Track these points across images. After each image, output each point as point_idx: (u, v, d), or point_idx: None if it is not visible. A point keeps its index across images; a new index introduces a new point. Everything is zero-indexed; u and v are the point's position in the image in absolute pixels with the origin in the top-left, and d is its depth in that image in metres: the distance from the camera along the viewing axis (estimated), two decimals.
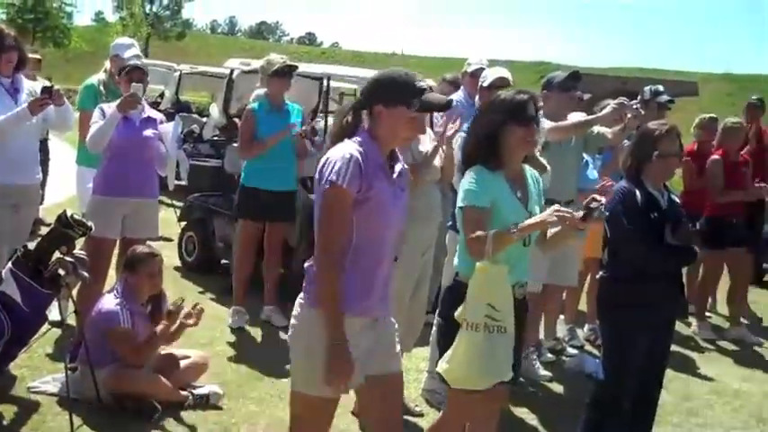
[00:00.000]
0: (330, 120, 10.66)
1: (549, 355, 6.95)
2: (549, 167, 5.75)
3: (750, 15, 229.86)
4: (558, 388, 6.40)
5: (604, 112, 6.13)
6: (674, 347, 6.38)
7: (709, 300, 9.10)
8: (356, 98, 3.45)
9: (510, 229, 3.74)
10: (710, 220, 8.20)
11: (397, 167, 3.43)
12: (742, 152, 8.64)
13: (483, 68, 6.93)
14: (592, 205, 3.80)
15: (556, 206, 3.82)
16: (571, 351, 7.21)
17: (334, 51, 66.06)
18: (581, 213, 3.82)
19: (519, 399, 5.88)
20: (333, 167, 3.18)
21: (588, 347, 7.38)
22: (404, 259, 4.88)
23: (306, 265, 3.40)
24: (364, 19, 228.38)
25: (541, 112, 6.23)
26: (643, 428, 4.91)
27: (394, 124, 3.32)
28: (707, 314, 8.84)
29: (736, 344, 8.25)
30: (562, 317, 7.52)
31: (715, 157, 8.35)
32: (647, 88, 7.46)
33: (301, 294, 3.41)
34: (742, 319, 8.76)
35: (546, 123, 6.05)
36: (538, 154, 5.66)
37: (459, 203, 3.84)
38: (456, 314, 3.69)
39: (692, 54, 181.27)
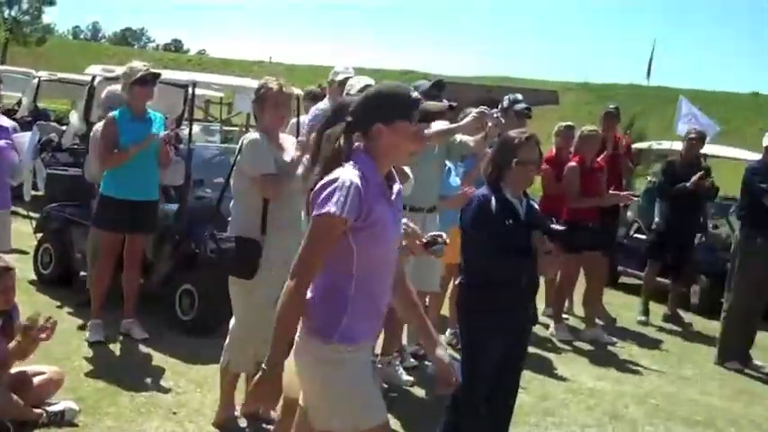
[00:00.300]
0: (195, 127, 10.54)
1: (412, 360, 7.04)
2: (411, 175, 5.87)
3: (607, 28, 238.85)
4: (420, 392, 6.49)
5: (465, 120, 6.25)
6: (531, 349, 6.60)
7: (566, 302, 9.41)
8: (346, 121, 3.25)
9: None
10: (568, 225, 8.45)
11: (395, 188, 3.31)
12: (598, 159, 8.96)
13: (350, 77, 7.00)
14: (438, 239, 3.91)
15: (405, 219, 3.90)
16: None
17: (201, 59, 65.19)
18: (426, 239, 3.93)
19: None
20: (332, 196, 3.02)
21: (450, 351, 7.49)
22: (275, 267, 4.87)
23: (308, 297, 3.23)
24: (232, 26, 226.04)
25: None
26: (500, 429, 5.03)
27: (397, 141, 3.18)
28: (564, 316, 9.15)
29: (592, 344, 8.57)
30: None
31: (572, 163, 8.64)
32: (506, 97, 7.67)
33: (300, 333, 3.23)
34: (597, 320, 9.08)
35: None
36: None
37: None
38: None
39: (553, 64, 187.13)
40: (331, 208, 3.01)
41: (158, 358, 6.61)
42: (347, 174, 3.08)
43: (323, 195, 3.05)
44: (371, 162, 3.17)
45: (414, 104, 3.22)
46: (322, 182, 3.09)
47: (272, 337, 3.11)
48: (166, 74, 7.97)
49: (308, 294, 3.17)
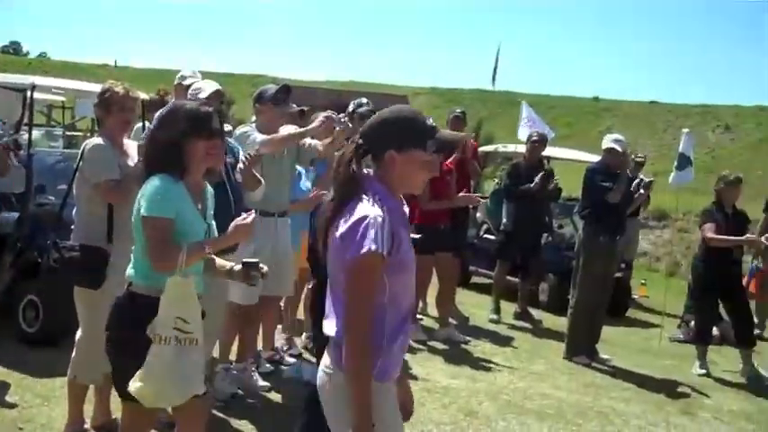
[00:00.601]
0: (37, 133, 10.15)
1: (268, 366, 6.98)
2: (262, 180, 5.83)
3: (455, 34, 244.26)
4: (276, 397, 6.43)
5: (313, 125, 6.29)
6: None
7: (420, 303, 9.53)
8: (357, 143, 3.09)
9: (203, 244, 3.77)
10: (420, 228, 8.54)
11: (406, 209, 3.19)
12: (446, 162, 9.11)
13: (197, 81, 6.88)
14: (253, 272, 3.91)
15: (238, 219, 3.89)
16: (289, 360, 7.29)
17: (42, 62, 62.69)
18: (246, 261, 3.95)
19: (238, 411, 5.89)
20: (366, 234, 2.87)
21: (306, 355, 7.49)
22: (121, 275, 4.74)
23: (327, 332, 3.10)
24: (76, 29, 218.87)
25: (253, 125, 6.36)
26: None
27: (409, 170, 3.05)
28: (418, 316, 9.26)
29: (446, 343, 8.72)
30: (280, 326, 7.59)
31: None
32: (352, 102, 7.71)
33: (332, 368, 3.06)
34: (450, 320, 9.24)
35: (258, 136, 6.10)
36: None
37: (143, 212, 3.71)
38: (147, 330, 3.63)
39: (403, 69, 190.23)
40: (371, 246, 2.87)
41: (2, 372, 6.31)
42: (372, 209, 2.94)
43: (358, 235, 2.90)
44: (386, 190, 3.04)
45: (429, 133, 3.08)
46: (350, 222, 2.94)
47: (353, 401, 2.93)
48: (3, 77, 7.64)
49: (338, 329, 3.04)
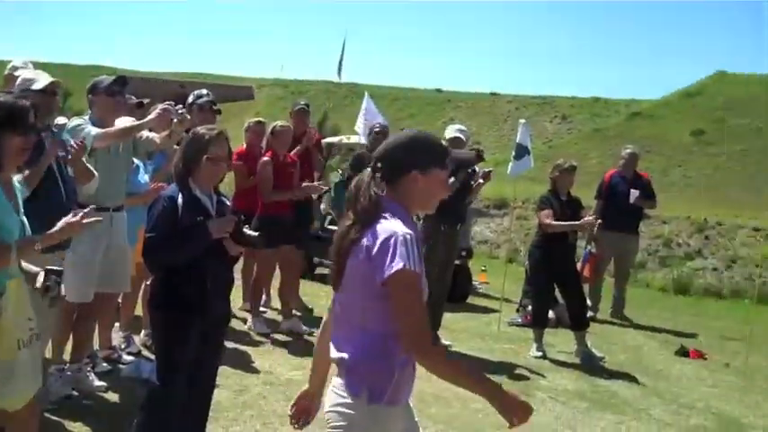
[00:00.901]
0: None
1: (105, 365, 6.80)
2: (95, 172, 5.66)
3: (301, 25, 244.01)
4: (113, 397, 6.26)
5: (149, 117, 6.16)
6: (229, 344, 6.59)
7: (264, 295, 9.49)
8: (374, 167, 3.14)
9: (34, 239, 3.66)
10: (262, 219, 8.50)
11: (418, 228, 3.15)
12: (290, 153, 9.10)
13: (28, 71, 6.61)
14: (49, 283, 3.84)
15: (68, 217, 3.82)
16: (128, 358, 7.11)
17: None
18: (50, 268, 3.89)
19: (73, 412, 5.72)
20: (397, 251, 2.87)
21: (146, 353, 7.32)
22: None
23: (338, 355, 3.05)
24: None
25: (87, 117, 6.17)
26: (197, 426, 4.98)
27: (430, 189, 3.11)
28: (261, 309, 9.22)
29: (289, 335, 8.71)
30: (118, 324, 7.40)
31: (264, 158, 8.73)
32: (192, 93, 7.61)
33: (343, 389, 3.02)
34: (294, 312, 9.23)
35: (92, 129, 5.93)
36: (84, 160, 5.55)
37: None
38: None
39: (248, 61, 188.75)
40: (405, 263, 2.87)
41: None
42: (399, 226, 2.96)
43: (388, 253, 2.90)
44: (404, 211, 3.07)
45: (446, 153, 3.19)
46: (378, 240, 2.93)
47: (478, 390, 3.00)
48: None
49: (351, 352, 3.01)
